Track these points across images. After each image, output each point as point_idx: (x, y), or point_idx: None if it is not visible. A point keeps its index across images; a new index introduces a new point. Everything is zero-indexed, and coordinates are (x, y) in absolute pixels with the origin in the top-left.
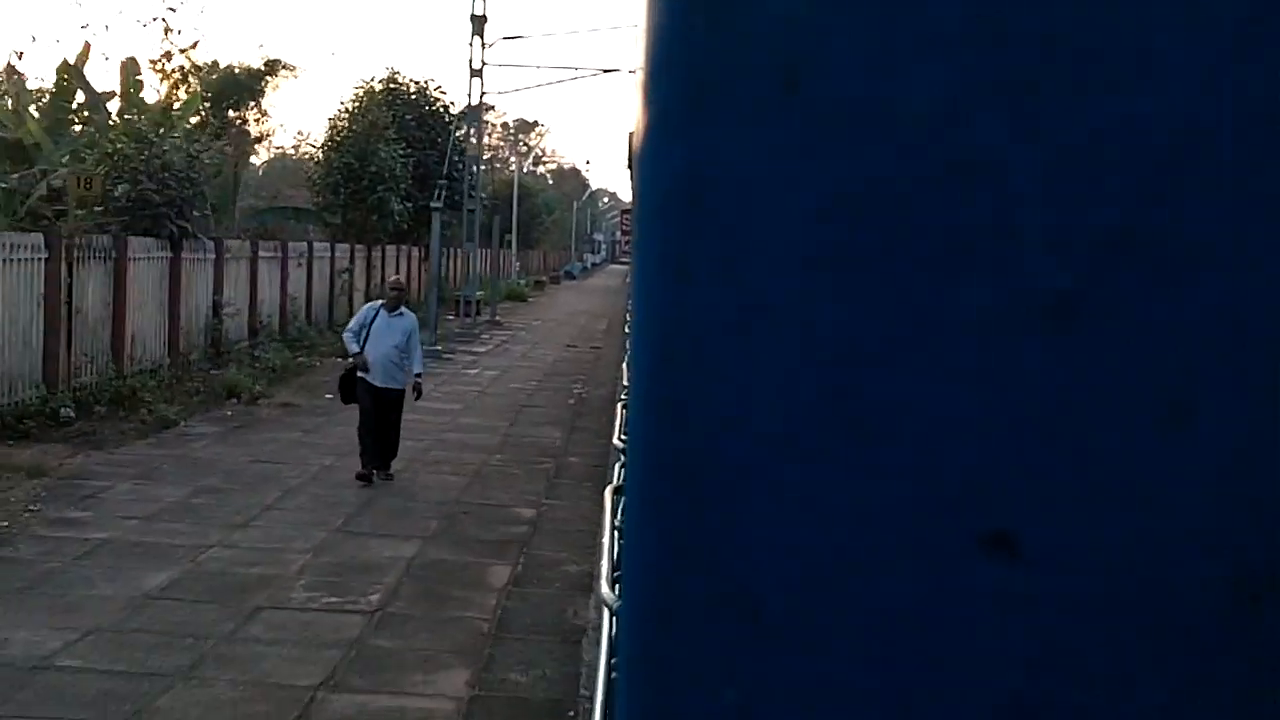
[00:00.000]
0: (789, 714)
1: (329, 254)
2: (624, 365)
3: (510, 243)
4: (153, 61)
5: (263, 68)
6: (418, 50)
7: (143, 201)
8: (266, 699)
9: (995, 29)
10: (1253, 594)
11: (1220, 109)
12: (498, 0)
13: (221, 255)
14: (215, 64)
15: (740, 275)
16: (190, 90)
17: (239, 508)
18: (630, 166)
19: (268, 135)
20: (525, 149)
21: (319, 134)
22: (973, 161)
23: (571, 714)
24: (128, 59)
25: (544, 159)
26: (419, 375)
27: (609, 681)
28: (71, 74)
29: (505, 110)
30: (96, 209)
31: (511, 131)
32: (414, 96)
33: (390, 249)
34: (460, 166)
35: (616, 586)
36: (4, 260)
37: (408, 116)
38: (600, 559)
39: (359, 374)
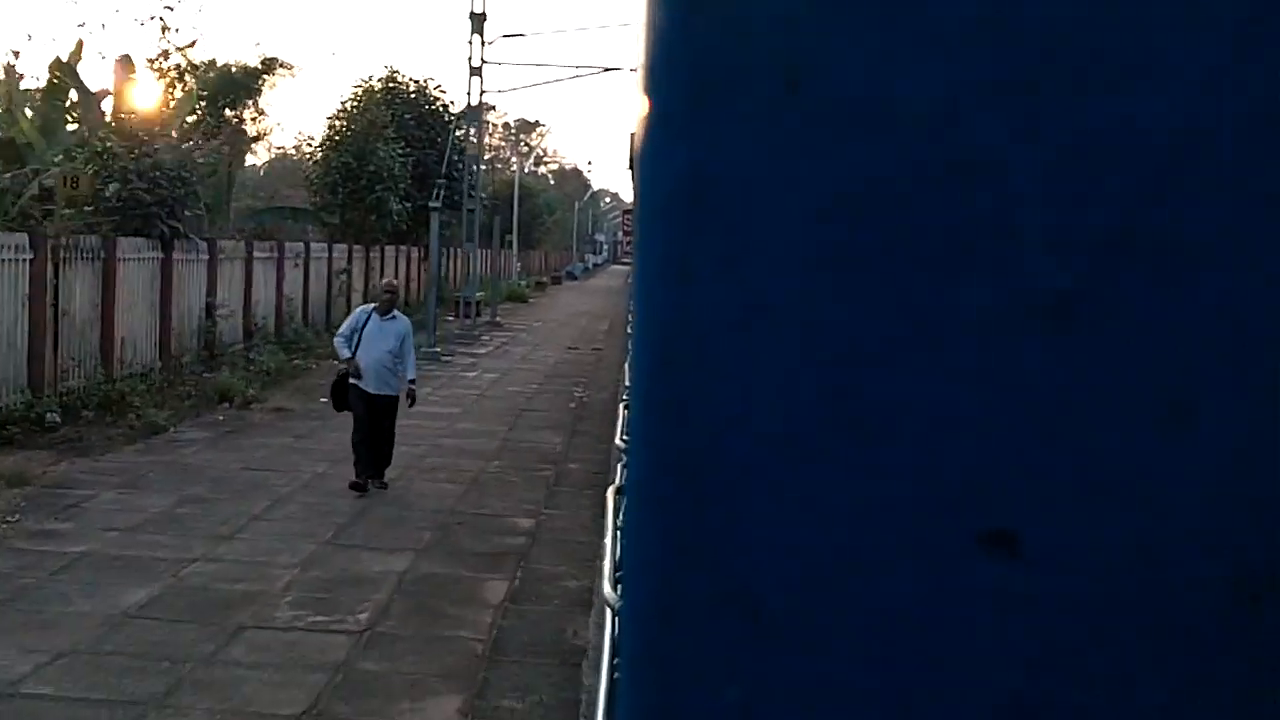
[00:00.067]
0: (790, 713)
1: (326, 254)
2: (625, 366)
3: (511, 243)
4: (150, 60)
5: (260, 66)
6: (417, 49)
7: (133, 201)
8: None
9: (995, 29)
10: (1253, 594)
11: (1220, 109)
12: None
13: (215, 256)
14: (212, 62)
15: (741, 275)
16: (187, 89)
17: (226, 518)
18: (632, 167)
19: (265, 134)
20: (526, 149)
21: (319, 133)
22: (973, 161)
23: None
24: (122, 56)
25: (545, 159)
26: (413, 381)
27: (611, 681)
28: (64, 72)
29: (506, 110)
30: (86, 208)
31: (513, 132)
32: (413, 95)
33: (389, 249)
34: (460, 166)
35: (619, 586)
36: None
37: (407, 115)
38: (603, 560)
39: (351, 380)
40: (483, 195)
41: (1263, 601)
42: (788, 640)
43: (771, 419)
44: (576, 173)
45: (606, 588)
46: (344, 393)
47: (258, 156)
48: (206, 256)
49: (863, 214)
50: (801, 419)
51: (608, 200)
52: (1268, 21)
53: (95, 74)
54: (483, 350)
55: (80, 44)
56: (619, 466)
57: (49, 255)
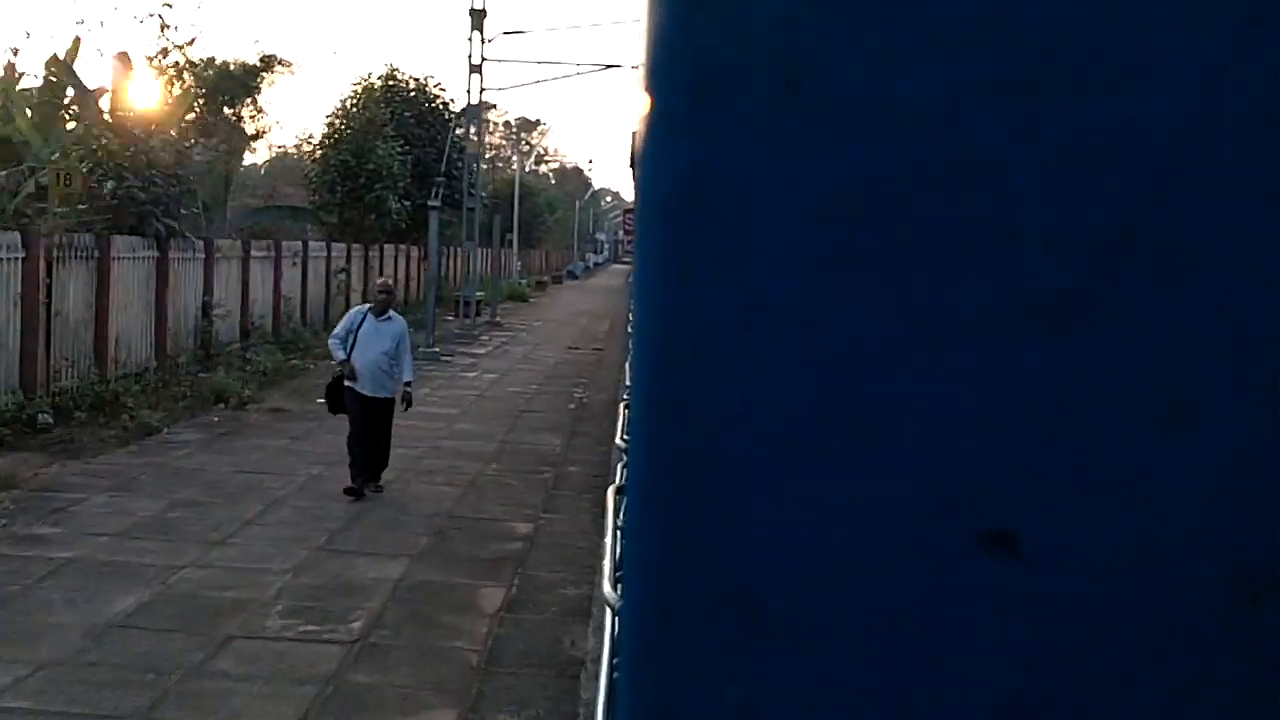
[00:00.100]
0: (790, 713)
1: (325, 253)
2: (626, 366)
3: (512, 242)
4: (149, 58)
5: (259, 64)
6: (417, 46)
7: (128, 199)
8: None
9: (995, 29)
10: (1253, 594)
11: (1220, 109)
12: None
13: (212, 255)
14: (211, 60)
15: (742, 274)
16: (185, 87)
17: (217, 523)
18: (633, 166)
19: (264, 132)
20: (527, 148)
21: (318, 132)
22: (973, 161)
23: None
24: (120, 53)
25: (546, 158)
26: (408, 384)
27: (611, 680)
28: (61, 69)
29: (507, 109)
30: (80, 206)
31: (514, 130)
32: (413, 94)
33: (388, 248)
34: (460, 165)
35: (619, 586)
36: None
37: (406, 113)
38: (603, 559)
39: (346, 383)
40: (483, 194)
41: (1263, 601)
42: (788, 640)
43: (771, 419)
44: (577, 171)
45: (606, 587)
46: (339, 395)
47: (257, 155)
48: (203, 255)
49: (863, 214)
50: (801, 419)
51: (609, 199)
52: (1268, 21)
53: (94, 72)
54: (482, 350)
55: (77, 41)
56: (619, 466)
57: (42, 254)
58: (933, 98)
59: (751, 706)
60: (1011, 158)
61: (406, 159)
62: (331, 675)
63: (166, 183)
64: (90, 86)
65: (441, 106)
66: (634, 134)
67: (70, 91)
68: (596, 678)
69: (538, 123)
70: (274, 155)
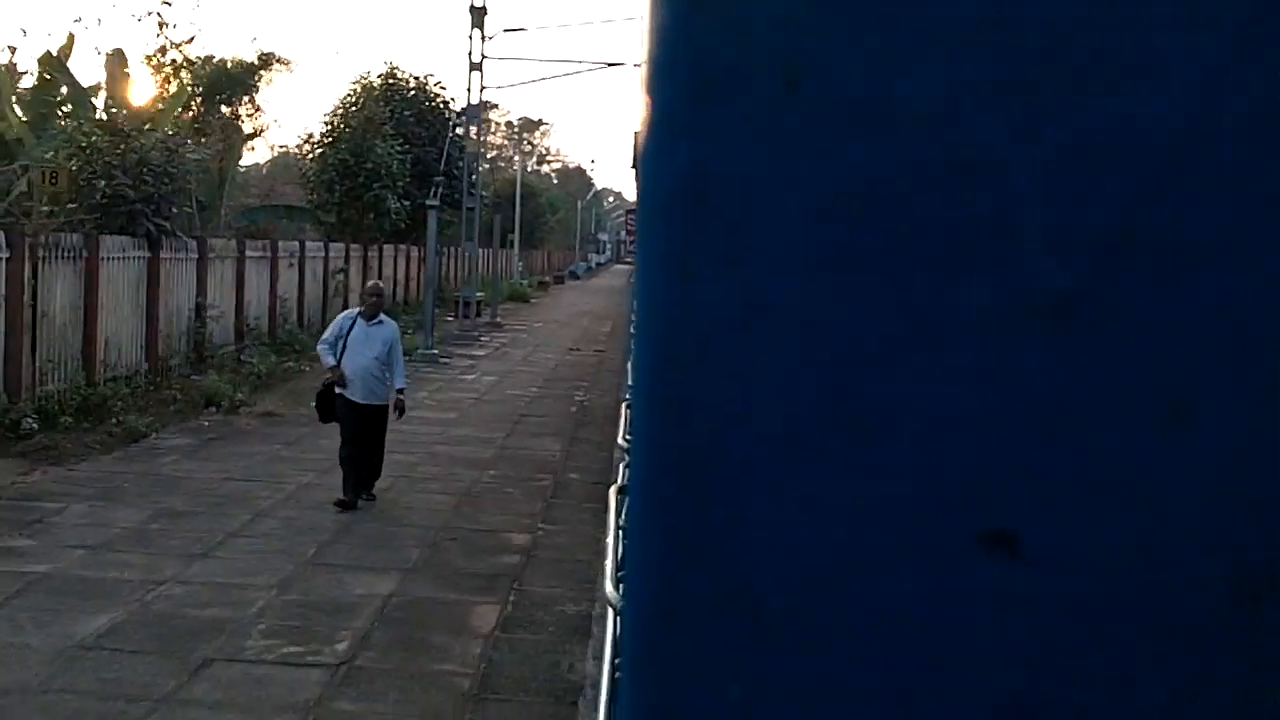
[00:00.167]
0: (790, 712)
1: (323, 254)
2: (628, 366)
3: (513, 242)
4: (148, 57)
5: (256, 62)
6: (417, 45)
7: (118, 198)
8: None
9: (995, 29)
10: (1253, 594)
11: (1220, 109)
12: None
13: (205, 255)
14: (209, 58)
15: (742, 273)
16: (181, 84)
17: (201, 534)
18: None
19: (261, 131)
20: (529, 148)
21: (317, 130)
22: (973, 161)
23: None
24: (114, 50)
25: (548, 158)
26: (401, 390)
27: (613, 680)
28: (54, 66)
29: (509, 109)
30: (70, 205)
31: (515, 130)
32: (413, 92)
33: (388, 248)
34: (460, 164)
35: (621, 586)
36: None
37: (406, 112)
38: (605, 559)
39: (337, 390)
40: (483, 194)
41: (1263, 601)
42: (788, 640)
43: (772, 418)
44: (580, 171)
45: (609, 587)
46: (330, 403)
47: (257, 154)
48: (196, 255)
49: (863, 214)
50: (802, 418)
51: (611, 199)
52: (1268, 21)
53: (91, 70)
54: (482, 352)
55: (71, 38)
56: (621, 466)
57: (27, 254)
58: (933, 98)
59: (752, 705)
60: (1011, 158)
61: (406, 158)
62: (313, 703)
63: (158, 181)
64: (86, 84)
65: (442, 105)
66: (636, 134)
67: (64, 89)
68: (595, 705)
69: (540, 122)
70: (276, 155)
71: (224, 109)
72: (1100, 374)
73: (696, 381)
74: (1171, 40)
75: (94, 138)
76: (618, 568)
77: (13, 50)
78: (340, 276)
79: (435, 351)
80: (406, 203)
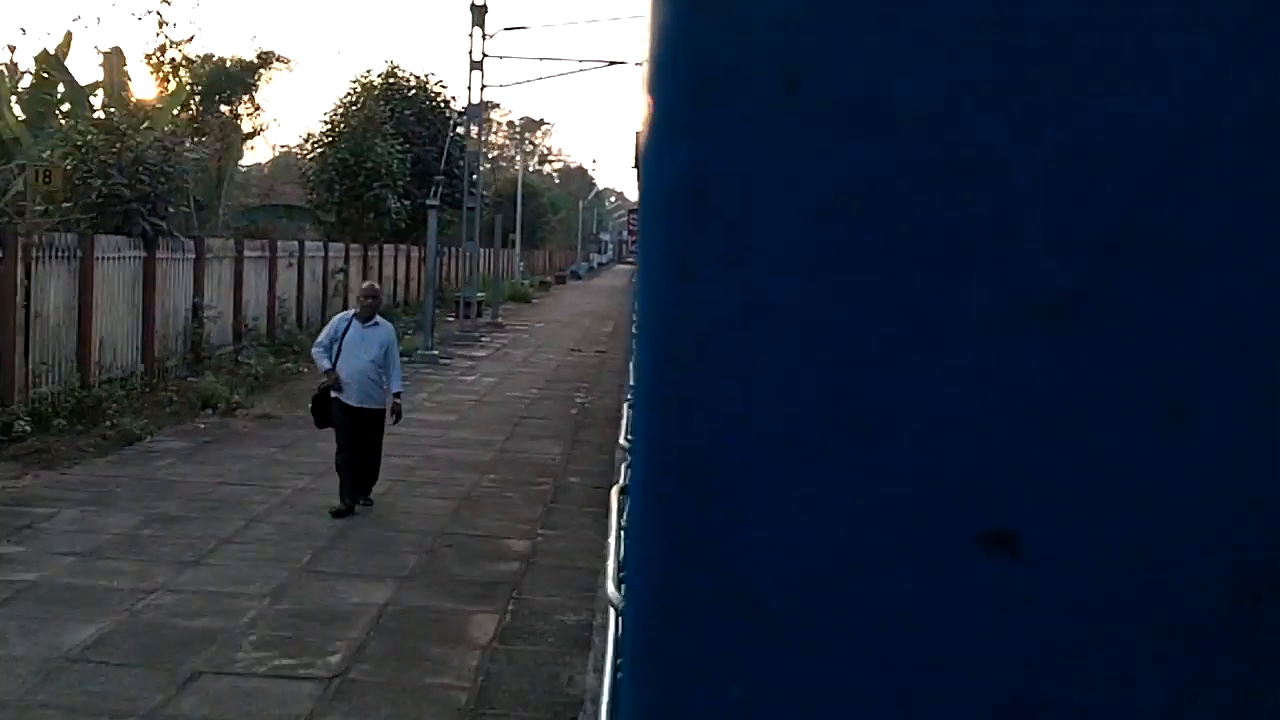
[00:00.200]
0: (790, 712)
1: (322, 253)
2: (630, 366)
3: (514, 242)
4: (147, 56)
5: (255, 60)
6: (418, 43)
7: (113, 197)
8: None
9: (995, 29)
10: (1253, 594)
11: (1220, 109)
12: None
13: (203, 255)
14: (209, 57)
15: (743, 273)
16: (179, 83)
17: (193, 541)
18: (636, 165)
19: (260, 130)
20: (531, 147)
21: (317, 129)
22: (973, 161)
23: None
24: (112, 49)
25: (550, 158)
26: (398, 394)
27: (614, 680)
28: (51, 65)
29: (510, 108)
30: (65, 204)
31: (517, 130)
32: (413, 91)
33: (388, 248)
34: (461, 163)
35: (622, 587)
36: None
37: (407, 111)
38: (606, 559)
39: (333, 394)
40: (484, 193)
41: (1263, 601)
42: (788, 640)
43: (772, 418)
44: (581, 171)
45: (610, 587)
46: (325, 408)
47: (258, 154)
48: (193, 255)
49: (863, 214)
50: (802, 418)
51: (613, 199)
52: (1268, 21)
53: (90, 69)
54: (482, 353)
55: (69, 36)
56: (623, 467)
57: (20, 253)
58: (933, 98)
59: (753, 705)
60: (1011, 158)
61: (406, 157)
62: (304, 718)
63: (154, 180)
64: (85, 83)
65: (442, 104)
66: (638, 134)
67: (62, 88)
68: (595, 718)
69: (541, 122)
70: (277, 154)
71: (223, 108)
72: (1100, 374)
73: (697, 381)
74: (1171, 40)
75: (89, 136)
76: (619, 568)
77: (12, 49)
78: (340, 276)
79: (435, 352)
80: (407, 202)
